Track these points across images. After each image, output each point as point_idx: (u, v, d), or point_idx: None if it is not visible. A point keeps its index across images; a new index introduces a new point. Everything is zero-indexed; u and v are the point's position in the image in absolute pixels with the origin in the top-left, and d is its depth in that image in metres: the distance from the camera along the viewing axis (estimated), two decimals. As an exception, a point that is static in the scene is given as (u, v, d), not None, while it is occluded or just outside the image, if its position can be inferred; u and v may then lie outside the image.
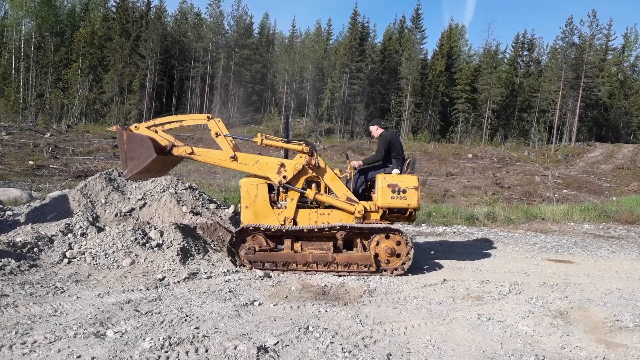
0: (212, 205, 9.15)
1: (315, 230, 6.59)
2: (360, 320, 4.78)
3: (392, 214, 6.90)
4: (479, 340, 4.47)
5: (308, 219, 6.85)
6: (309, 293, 5.64)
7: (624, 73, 65.84)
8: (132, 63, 58.43)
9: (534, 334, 4.69)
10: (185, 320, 4.50)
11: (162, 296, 5.19)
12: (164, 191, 8.82)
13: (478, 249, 9.23)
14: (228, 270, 6.36)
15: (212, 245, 7.44)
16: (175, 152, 6.82)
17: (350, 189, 7.04)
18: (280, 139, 6.97)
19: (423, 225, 12.04)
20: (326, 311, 5.02)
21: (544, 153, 48.61)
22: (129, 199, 8.73)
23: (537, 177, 30.19)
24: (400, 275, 6.62)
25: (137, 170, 6.56)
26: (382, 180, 6.73)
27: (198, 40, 62.10)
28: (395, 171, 6.94)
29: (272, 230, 6.53)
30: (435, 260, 7.85)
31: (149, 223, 7.58)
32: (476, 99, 60.01)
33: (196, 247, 7.03)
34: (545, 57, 67.10)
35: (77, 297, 4.98)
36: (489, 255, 8.71)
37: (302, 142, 6.89)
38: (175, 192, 8.84)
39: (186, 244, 6.89)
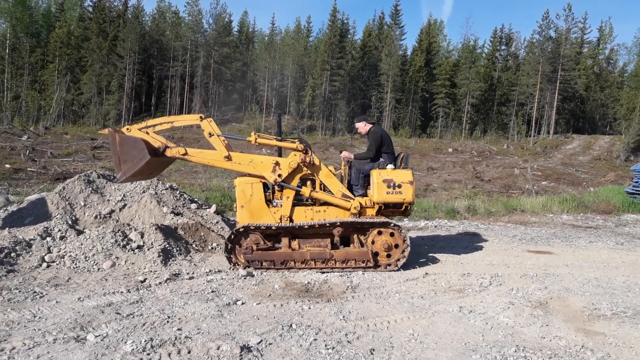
0: (193, 205, 9.08)
1: (306, 227, 6.60)
2: (344, 316, 4.80)
3: (388, 209, 6.94)
4: (461, 332, 4.52)
5: (304, 217, 6.84)
6: (292, 291, 5.64)
7: (600, 66, 66.94)
8: (110, 63, 57.70)
9: (514, 325, 4.75)
10: (168, 321, 4.47)
11: (144, 298, 5.15)
12: (144, 192, 8.73)
13: (459, 242, 9.32)
14: (210, 271, 6.33)
15: (193, 245, 7.39)
16: (168, 153, 6.75)
17: (345, 186, 7.06)
18: (274, 137, 6.95)
19: (405, 220, 12.11)
20: (309, 308, 5.03)
21: (522, 146, 49.30)
22: (108, 200, 8.62)
23: (517, 169, 30.57)
24: (402, 265, 6.70)
25: (131, 172, 6.48)
26: (377, 176, 6.74)
27: (177, 39, 61.56)
28: (390, 166, 6.97)
29: (262, 228, 6.51)
30: (417, 254, 7.90)
31: (129, 225, 7.50)
32: (455, 93, 60.51)
33: (177, 248, 6.98)
34: (523, 51, 67.94)
35: (57, 302, 4.91)
36: (469, 248, 8.80)
37: (296, 140, 6.87)
38: (156, 193, 8.75)
39: (167, 245, 6.84)
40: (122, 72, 57.23)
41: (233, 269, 6.44)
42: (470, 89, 58.35)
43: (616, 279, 6.75)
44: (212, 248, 7.53)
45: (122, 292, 5.31)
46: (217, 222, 8.62)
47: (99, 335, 4.09)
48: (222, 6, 66.66)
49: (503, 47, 68.03)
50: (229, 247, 6.48)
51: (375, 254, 6.67)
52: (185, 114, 56.88)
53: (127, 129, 6.70)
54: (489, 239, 9.86)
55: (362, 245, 6.73)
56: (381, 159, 7.20)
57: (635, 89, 57.33)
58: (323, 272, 6.46)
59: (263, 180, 6.88)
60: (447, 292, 5.84)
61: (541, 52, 56.57)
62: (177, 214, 8.36)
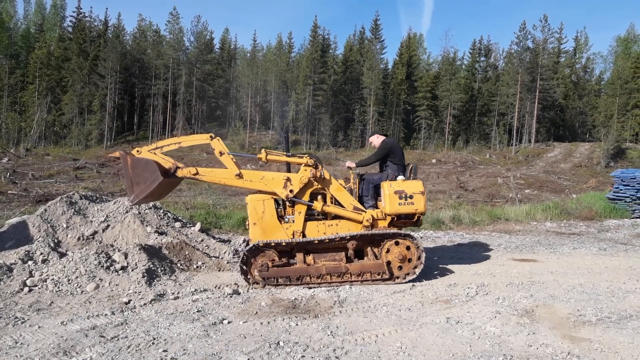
0: (177, 224, 9.02)
1: (326, 241, 6.63)
2: (331, 332, 4.78)
3: (400, 220, 6.98)
4: (449, 343, 4.52)
5: (317, 231, 6.84)
6: (279, 308, 5.60)
7: (577, 74, 68.22)
8: (91, 83, 57.46)
9: (501, 334, 4.77)
10: (153, 343, 4.41)
11: (129, 320, 5.07)
12: (126, 212, 8.64)
13: (445, 253, 9.35)
14: (195, 290, 6.26)
15: (178, 264, 7.32)
16: (179, 173, 6.71)
17: (355, 198, 7.08)
18: (284, 153, 6.98)
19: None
20: (297, 325, 4.99)
21: (505, 155, 49.94)
22: (91, 222, 8.52)
23: (500, 178, 30.87)
24: (415, 276, 6.75)
25: (144, 195, 6.44)
26: (388, 188, 6.78)
27: (158, 57, 61.49)
28: (401, 177, 7.02)
29: (273, 244, 6.49)
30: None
31: (112, 245, 7.42)
32: (437, 105, 61.14)
33: (162, 268, 6.90)
34: (502, 62, 69.04)
35: (39, 327, 4.82)
36: (455, 258, 8.83)
37: (305, 155, 6.88)
38: (139, 212, 8.67)
39: (152, 265, 6.76)
40: (103, 91, 56.96)
41: (251, 288, 6.41)
42: (451, 100, 59.01)
43: (600, 285, 6.82)
44: (197, 267, 7.47)
45: (106, 314, 5.23)
46: (202, 240, 8.56)
47: (83, 359, 4.02)
48: (203, 24, 66.73)
49: (482, 59, 69.08)
50: (244, 269, 6.45)
51: (390, 265, 6.70)
52: (168, 132, 56.79)
53: (137, 151, 6.67)
54: (474, 248, 9.92)
55: (376, 257, 6.74)
56: (389, 170, 7.24)
57: (612, 97, 58.54)
58: (310, 288, 6.42)
59: (275, 197, 6.87)
60: (434, 303, 5.85)
61: (520, 63, 57.53)
62: (161, 233, 8.30)
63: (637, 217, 15.23)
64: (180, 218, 9.67)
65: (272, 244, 6.50)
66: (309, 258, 6.63)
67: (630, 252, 9.71)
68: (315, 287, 6.45)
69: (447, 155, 48.46)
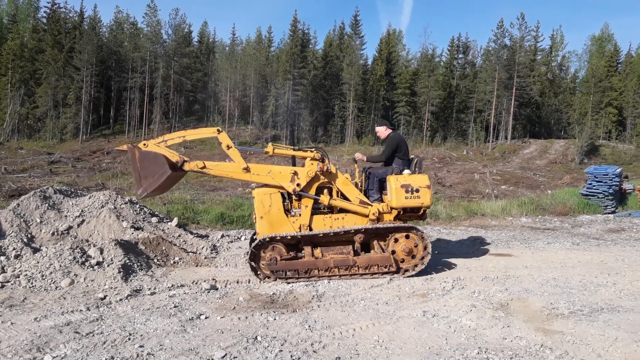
0: (154, 219, 8.93)
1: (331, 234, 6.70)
2: (309, 326, 4.79)
3: (406, 213, 7.04)
4: (425, 337, 4.57)
5: (323, 225, 6.87)
6: (257, 302, 5.59)
7: (553, 72, 69.36)
8: (66, 75, 56.33)
9: (477, 327, 4.83)
10: (129, 339, 4.36)
11: (104, 316, 5.01)
12: (102, 207, 8.53)
13: (423, 248, 9.41)
14: (172, 285, 6.22)
15: (155, 260, 7.25)
16: (186, 167, 6.70)
17: (361, 193, 7.11)
18: (291, 147, 7.00)
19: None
20: (275, 319, 4.99)
21: (482, 151, 50.59)
22: (66, 216, 8.39)
23: (477, 174, 31.24)
24: (421, 270, 6.84)
25: (152, 188, 6.43)
26: (394, 182, 6.82)
27: (135, 50, 60.56)
28: (407, 171, 7.06)
29: (279, 238, 6.52)
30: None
31: (87, 241, 7.31)
32: (416, 101, 61.56)
33: (138, 263, 6.83)
34: (480, 59, 69.83)
35: (12, 323, 4.73)
36: (432, 252, 8.88)
37: (312, 149, 6.89)
38: (115, 207, 8.56)
39: (128, 261, 6.69)
40: (79, 84, 55.92)
41: (263, 282, 6.45)
42: (429, 97, 59.48)
43: (573, 279, 6.95)
44: (174, 262, 7.41)
45: (81, 310, 5.16)
46: (179, 236, 8.50)
47: (57, 356, 3.96)
48: (182, 17, 65.86)
49: (460, 56, 69.76)
50: (253, 266, 6.49)
51: (399, 259, 6.77)
52: (145, 125, 56.06)
53: (145, 144, 6.64)
54: (451, 243, 10.03)
55: (383, 250, 6.81)
56: (394, 165, 7.29)
57: (586, 95, 59.76)
58: (288, 283, 6.43)
59: (281, 191, 6.88)
60: (411, 297, 5.90)
61: (497, 60, 58.26)
62: (138, 229, 8.21)
63: (609, 213, 15.59)
64: (157, 213, 9.58)
65: (278, 238, 6.53)
66: (317, 251, 6.70)
67: (602, 246, 9.92)
68: (325, 280, 6.51)
69: (425, 151, 48.89)
